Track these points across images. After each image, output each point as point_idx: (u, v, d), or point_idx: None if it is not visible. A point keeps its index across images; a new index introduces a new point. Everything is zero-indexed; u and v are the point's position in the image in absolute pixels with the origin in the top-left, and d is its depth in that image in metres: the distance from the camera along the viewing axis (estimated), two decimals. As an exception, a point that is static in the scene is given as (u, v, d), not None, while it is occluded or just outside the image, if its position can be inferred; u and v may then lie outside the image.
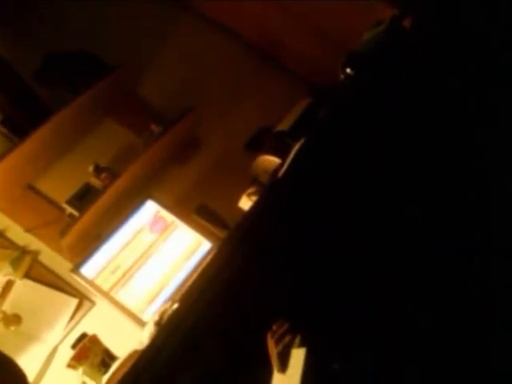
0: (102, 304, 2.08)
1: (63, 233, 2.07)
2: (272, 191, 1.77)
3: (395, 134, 1.88)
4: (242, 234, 1.57)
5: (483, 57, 1.91)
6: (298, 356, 1.04)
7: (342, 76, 2.29)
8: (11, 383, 0.64)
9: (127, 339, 1.77)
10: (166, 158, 2.50)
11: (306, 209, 1.65)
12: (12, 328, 1.92)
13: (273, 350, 1.09)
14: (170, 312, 1.46)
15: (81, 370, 1.55)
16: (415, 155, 1.81)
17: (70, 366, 1.59)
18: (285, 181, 1.75)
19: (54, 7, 2.68)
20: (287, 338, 1.09)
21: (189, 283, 1.68)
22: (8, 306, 2.02)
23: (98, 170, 2.24)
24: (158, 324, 1.49)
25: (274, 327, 1.14)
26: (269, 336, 1.12)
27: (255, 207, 1.74)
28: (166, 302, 1.82)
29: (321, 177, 1.74)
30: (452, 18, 2.04)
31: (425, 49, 2.09)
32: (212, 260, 1.50)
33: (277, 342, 1.10)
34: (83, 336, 1.68)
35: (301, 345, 1.06)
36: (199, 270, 1.58)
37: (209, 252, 2.09)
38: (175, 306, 1.43)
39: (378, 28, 2.36)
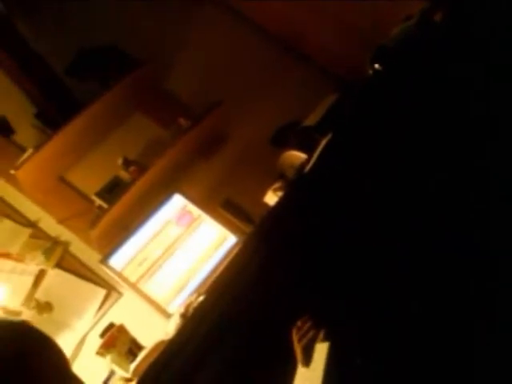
0: (129, 295, 2.13)
1: (93, 224, 2.13)
2: (298, 187, 1.78)
3: (420, 131, 1.85)
4: (267, 229, 1.58)
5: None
6: (321, 350, 1.05)
7: (370, 71, 2.27)
8: (55, 358, 0.68)
9: (153, 330, 1.82)
10: (193, 152, 2.53)
11: (330, 205, 1.65)
12: (44, 315, 1.99)
13: (297, 345, 1.10)
14: (195, 304, 1.48)
15: (109, 357, 1.60)
16: (437, 152, 1.78)
17: (98, 353, 1.63)
18: (311, 177, 1.75)
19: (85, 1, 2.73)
20: (311, 333, 1.10)
21: (214, 276, 1.70)
22: (40, 294, 2.09)
23: (127, 163, 2.28)
24: (183, 316, 1.51)
25: (299, 323, 1.15)
26: (294, 331, 1.13)
27: (281, 202, 1.75)
28: (191, 294, 1.85)
29: (345, 173, 1.73)
30: (482, 14, 1.99)
31: (455, 44, 2.05)
32: (237, 254, 1.52)
33: (301, 337, 1.11)
34: (111, 325, 1.72)
35: (324, 340, 1.07)
36: (225, 263, 1.59)
37: (234, 246, 2.11)
38: (201, 298, 1.45)
39: (407, 22, 2.33)
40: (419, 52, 2.10)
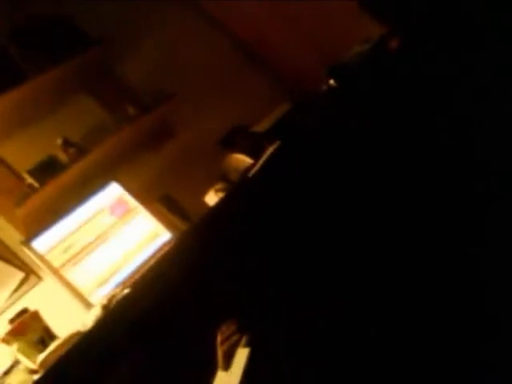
0: (49, 281, 2.02)
1: (19, 203, 2.00)
2: (240, 190, 1.76)
3: (364, 150, 1.90)
4: (204, 229, 1.55)
5: (469, 84, 1.95)
6: (241, 355, 1.03)
7: (325, 86, 2.31)
8: None
9: (71, 320, 1.72)
10: (138, 142, 2.45)
11: (268, 211, 1.65)
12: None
13: (219, 348, 1.07)
14: (119, 297, 1.42)
15: (15, 346, 1.49)
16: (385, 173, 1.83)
17: (3, 340, 1.51)
18: (254, 181, 1.74)
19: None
20: (234, 338, 1.08)
21: (143, 271, 1.64)
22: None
23: (66, 144, 2.17)
24: (105, 308, 1.44)
25: (224, 326, 1.12)
26: (218, 334, 1.11)
27: (221, 204, 1.73)
28: (117, 286, 1.77)
29: (288, 183, 1.74)
30: (440, 44, 2.08)
31: (409, 71, 2.12)
32: (170, 250, 1.48)
33: (224, 341, 1.09)
34: (24, 311, 1.61)
35: (246, 345, 1.05)
36: (155, 259, 1.54)
37: (167, 242, 2.06)
38: (125, 291, 1.39)
39: (365, 44, 2.39)
40: (371, 74, 2.16)
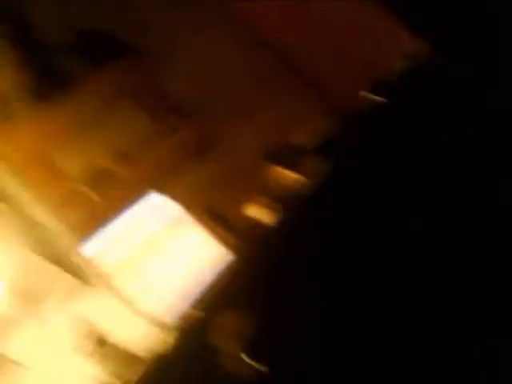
0: (100, 288, 2.06)
1: (75, 209, 2.05)
2: (299, 210, 1.80)
3: (415, 168, 1.93)
4: (269, 248, 1.59)
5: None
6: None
7: (369, 102, 2.32)
8: None
9: (123, 328, 1.75)
10: (182, 153, 2.48)
11: (328, 233, 1.69)
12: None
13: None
14: (192, 319, 1.44)
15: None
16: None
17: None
18: (312, 201, 1.78)
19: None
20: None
21: (211, 292, 1.65)
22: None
23: (117, 154, 2.22)
24: (174, 328, 1.46)
25: None
26: None
27: (282, 223, 1.76)
28: (189, 306, 1.76)
29: (345, 204, 1.77)
30: (483, 64, 2.08)
31: (453, 90, 2.13)
32: (240, 271, 1.52)
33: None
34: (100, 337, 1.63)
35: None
36: (222, 280, 1.58)
37: (231, 263, 2.07)
38: (197, 314, 1.42)
39: (409, 61, 2.40)
40: (420, 91, 2.17)
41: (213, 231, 2.24)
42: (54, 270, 2.09)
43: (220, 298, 1.42)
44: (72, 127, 2.33)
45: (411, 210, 1.79)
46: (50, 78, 2.41)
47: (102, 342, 1.66)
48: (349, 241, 1.67)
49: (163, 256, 2.09)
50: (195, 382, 1.27)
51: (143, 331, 1.66)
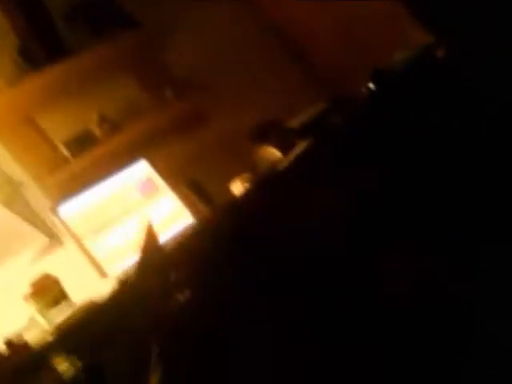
0: (70, 248, 2.06)
1: (51, 172, 2.05)
2: (268, 182, 1.76)
3: (402, 161, 1.87)
4: (227, 216, 1.56)
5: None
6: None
7: (365, 90, 2.28)
8: None
9: (86, 288, 1.75)
10: (171, 125, 2.48)
11: (297, 206, 1.65)
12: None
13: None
14: (137, 273, 1.44)
15: (34, 305, 1.53)
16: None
17: (25, 298, 1.57)
18: (284, 176, 1.74)
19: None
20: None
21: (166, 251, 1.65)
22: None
23: (102, 120, 2.22)
24: (122, 282, 1.47)
25: None
26: None
27: (247, 193, 1.73)
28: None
29: (317, 181, 1.73)
30: (486, 56, 2.03)
31: (453, 82, 2.07)
32: (191, 235, 1.49)
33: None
34: (44, 275, 1.66)
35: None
36: (175, 241, 1.56)
37: (189, 226, 2.08)
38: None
39: (410, 51, 2.35)
40: (418, 83, 2.12)
41: (192, 204, 2.21)
42: (28, 228, 2.10)
43: (171, 258, 1.39)
44: (61, 91, 2.34)
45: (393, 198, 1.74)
46: (46, 42, 2.44)
47: (59, 297, 1.65)
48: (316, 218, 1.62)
49: (135, 221, 2.07)
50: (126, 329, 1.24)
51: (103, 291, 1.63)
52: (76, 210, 2.03)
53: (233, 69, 2.61)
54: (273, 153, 2.28)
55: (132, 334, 1.30)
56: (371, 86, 2.27)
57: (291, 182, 1.75)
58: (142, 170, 2.21)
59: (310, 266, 1.50)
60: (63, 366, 1.20)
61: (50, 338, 1.30)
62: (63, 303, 1.57)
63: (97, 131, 2.21)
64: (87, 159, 2.14)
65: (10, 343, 1.39)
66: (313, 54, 2.73)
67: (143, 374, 1.19)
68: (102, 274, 1.91)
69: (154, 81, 2.52)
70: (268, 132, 2.40)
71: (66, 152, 2.11)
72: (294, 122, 2.41)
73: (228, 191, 2.19)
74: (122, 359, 1.23)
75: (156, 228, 1.88)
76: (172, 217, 2.13)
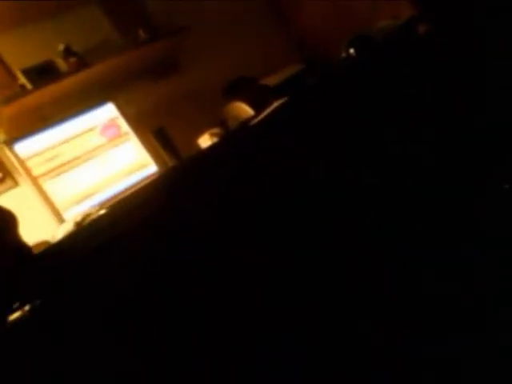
0: (25, 187, 1.96)
1: (8, 101, 1.92)
2: (236, 138, 1.72)
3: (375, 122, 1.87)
4: (192, 167, 1.51)
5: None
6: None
7: (344, 54, 2.25)
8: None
9: (40, 230, 1.69)
10: (142, 68, 2.36)
11: (264, 165, 1.62)
12: None
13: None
14: (94, 216, 1.38)
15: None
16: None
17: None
18: (253, 132, 1.70)
19: None
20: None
21: (121, 197, 1.61)
22: None
23: (68, 53, 2.08)
24: (77, 224, 1.41)
25: None
26: None
27: (213, 147, 1.68)
28: (93, 206, 1.74)
29: (286, 141, 1.70)
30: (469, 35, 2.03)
31: (431, 57, 2.07)
32: (152, 183, 1.44)
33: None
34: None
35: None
36: (137, 187, 1.51)
37: (152, 175, 2.02)
38: (101, 212, 1.36)
39: (393, 21, 2.34)
40: (396, 52, 2.11)
41: (157, 153, 2.14)
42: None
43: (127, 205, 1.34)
44: (26, 20, 2.17)
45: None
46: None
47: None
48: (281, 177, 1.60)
49: (95, 165, 1.98)
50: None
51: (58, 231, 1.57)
52: (33, 147, 1.91)
53: (212, 19, 2.50)
54: (244, 108, 2.23)
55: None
56: (351, 51, 2.24)
57: (260, 140, 1.71)
58: (107, 112, 2.11)
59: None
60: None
61: None
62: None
63: (61, 64, 2.07)
64: (49, 92, 2.01)
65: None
66: (298, 17, 2.65)
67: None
68: (59, 217, 1.83)
69: (127, 20, 2.37)
70: (241, 88, 2.33)
71: (25, 81, 1.97)
72: (270, 81, 2.35)
73: (195, 145, 2.13)
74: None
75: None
76: (135, 164, 2.06)
